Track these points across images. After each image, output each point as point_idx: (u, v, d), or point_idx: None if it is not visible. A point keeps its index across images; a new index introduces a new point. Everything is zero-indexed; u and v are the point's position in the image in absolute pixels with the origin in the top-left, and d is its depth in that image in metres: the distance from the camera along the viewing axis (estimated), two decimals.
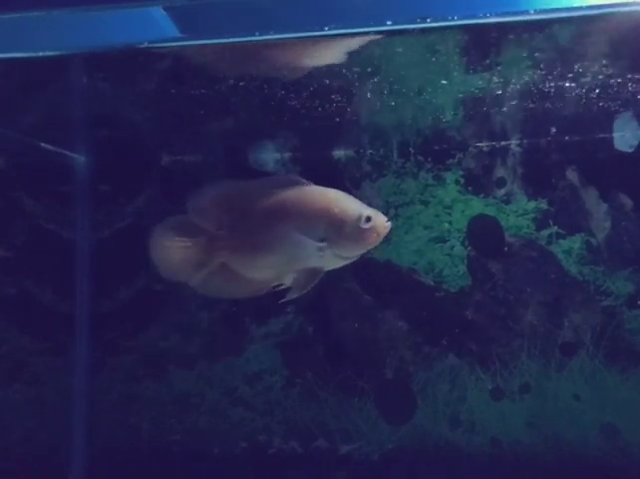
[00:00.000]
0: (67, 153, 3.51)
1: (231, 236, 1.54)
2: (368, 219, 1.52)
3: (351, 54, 2.48)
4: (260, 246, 1.54)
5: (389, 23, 2.20)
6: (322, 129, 3.34)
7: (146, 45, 2.33)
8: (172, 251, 1.53)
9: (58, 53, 2.31)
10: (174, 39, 2.32)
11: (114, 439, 3.44)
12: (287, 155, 3.48)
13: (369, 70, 2.66)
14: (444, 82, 2.80)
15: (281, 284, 1.59)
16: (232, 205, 1.54)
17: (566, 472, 3.15)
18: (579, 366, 3.23)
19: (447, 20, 2.21)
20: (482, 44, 2.44)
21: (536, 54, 2.50)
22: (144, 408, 3.46)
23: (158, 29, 2.34)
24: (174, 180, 3.54)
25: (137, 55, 2.43)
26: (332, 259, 1.55)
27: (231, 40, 2.34)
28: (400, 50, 2.47)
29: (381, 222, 1.55)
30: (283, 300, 1.52)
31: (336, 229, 1.51)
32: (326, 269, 1.56)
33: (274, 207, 1.53)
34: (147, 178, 3.57)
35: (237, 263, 1.54)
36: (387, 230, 1.56)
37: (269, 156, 3.47)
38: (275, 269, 1.56)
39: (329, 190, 1.58)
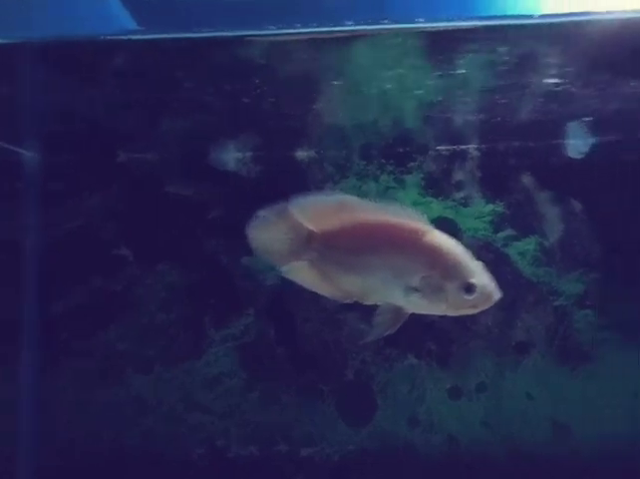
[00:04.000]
0: (16, 149, 3.36)
1: (326, 242, 1.49)
2: (472, 288, 1.38)
3: (314, 54, 2.48)
4: (350, 265, 1.47)
5: (349, 23, 2.21)
6: (285, 129, 3.32)
7: (101, 37, 2.25)
8: (271, 234, 1.50)
9: (6, 42, 2.20)
10: (132, 32, 2.26)
11: (67, 446, 3.30)
12: (249, 154, 3.44)
13: (332, 71, 2.67)
14: (405, 85, 2.84)
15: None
16: (338, 215, 1.48)
17: (521, 470, 3.24)
18: (532, 365, 3.33)
19: (407, 23, 2.24)
20: (443, 48, 2.48)
21: (494, 60, 2.56)
22: (98, 414, 3.34)
23: (114, 21, 2.26)
24: (132, 178, 3.43)
25: (91, 46, 2.35)
26: (420, 308, 1.44)
27: (192, 35, 2.30)
28: (362, 52, 2.48)
29: (485, 295, 1.39)
30: (364, 341, 1.49)
31: (432, 287, 1.40)
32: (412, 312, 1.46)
33: (380, 235, 1.44)
34: (102, 176, 3.45)
35: (326, 269, 1.49)
36: (490, 304, 1.41)
37: (230, 155, 3.42)
38: (360, 290, 1.49)
39: (444, 241, 1.43)
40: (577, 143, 3.31)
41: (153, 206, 3.41)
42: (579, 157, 3.32)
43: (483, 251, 3.39)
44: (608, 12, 2.28)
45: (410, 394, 3.33)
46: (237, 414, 3.34)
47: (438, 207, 3.40)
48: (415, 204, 3.40)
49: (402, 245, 1.42)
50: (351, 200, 1.47)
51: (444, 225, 3.39)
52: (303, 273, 1.50)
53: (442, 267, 1.39)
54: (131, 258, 3.40)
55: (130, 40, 2.33)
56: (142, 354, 3.37)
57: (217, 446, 3.31)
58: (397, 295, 1.43)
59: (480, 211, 3.40)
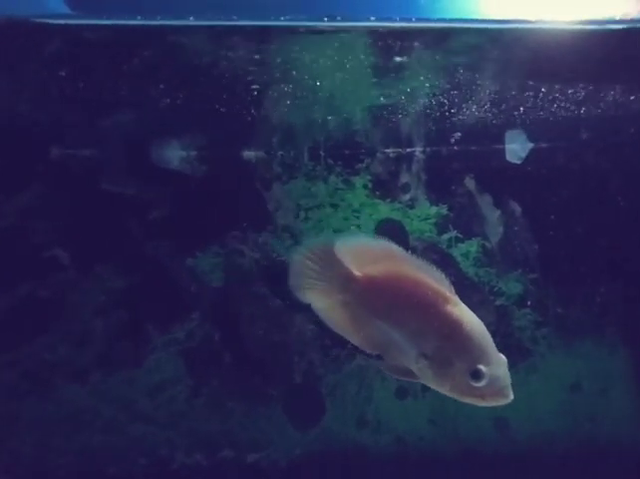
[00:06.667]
0: None
1: (364, 286, 1.45)
2: (479, 374, 1.29)
3: (261, 49, 2.42)
4: (379, 314, 1.44)
5: (298, 19, 2.17)
6: (232, 128, 3.24)
7: (31, 19, 2.09)
8: (308, 272, 1.46)
9: None
10: (65, 16, 2.11)
11: None
12: (194, 153, 3.31)
13: (281, 70, 2.62)
14: (354, 87, 2.84)
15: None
16: (379, 262, 1.45)
17: (465, 465, 3.32)
18: None
19: (357, 21, 2.23)
20: (391, 52, 2.50)
21: (440, 64, 2.61)
22: (26, 430, 3.10)
23: (45, 3, 2.11)
24: (66, 175, 3.22)
25: (20, 29, 2.17)
26: (427, 378, 1.38)
27: (128, 22, 2.18)
28: (312, 50, 2.45)
29: (495, 389, 1.29)
30: (380, 366, 1.44)
31: (442, 359, 1.33)
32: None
33: (410, 292, 1.40)
34: (32, 173, 3.21)
35: (357, 313, 1.46)
36: (498, 403, 1.31)
37: (174, 153, 3.28)
38: (383, 342, 1.45)
39: (468, 317, 1.38)
40: (516, 148, 3.44)
41: (90, 205, 3.21)
42: (517, 162, 3.45)
43: (429, 252, 3.45)
44: (548, 22, 2.38)
45: (358, 395, 3.33)
46: (182, 422, 3.20)
47: (385, 208, 3.43)
48: (363, 205, 3.41)
49: (426, 309, 1.38)
50: (394, 249, 1.45)
51: (391, 226, 3.42)
52: (335, 314, 1.48)
53: (455, 341, 1.34)
54: (66, 261, 3.19)
55: (64, 25, 2.18)
56: (77, 363, 3.16)
57: (162, 456, 3.16)
58: (410, 357, 1.39)
59: (426, 213, 3.46)
